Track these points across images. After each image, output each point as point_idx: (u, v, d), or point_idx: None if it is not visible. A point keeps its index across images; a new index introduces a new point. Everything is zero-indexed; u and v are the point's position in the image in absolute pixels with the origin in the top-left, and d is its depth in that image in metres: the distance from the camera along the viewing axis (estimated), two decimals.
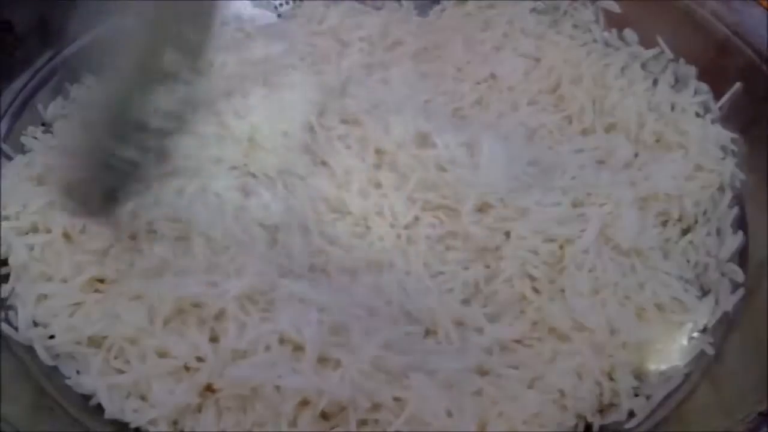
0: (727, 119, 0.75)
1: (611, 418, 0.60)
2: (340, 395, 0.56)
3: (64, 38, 0.79)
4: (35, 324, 0.62)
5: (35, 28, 0.77)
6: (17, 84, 0.75)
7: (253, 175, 0.72)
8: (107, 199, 0.58)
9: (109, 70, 0.54)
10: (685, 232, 0.71)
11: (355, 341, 0.59)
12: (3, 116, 0.73)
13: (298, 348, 0.59)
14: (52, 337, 0.61)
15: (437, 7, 0.91)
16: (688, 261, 0.69)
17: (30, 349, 0.60)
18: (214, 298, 0.60)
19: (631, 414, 0.60)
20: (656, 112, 0.77)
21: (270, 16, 0.91)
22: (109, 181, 0.56)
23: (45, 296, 0.62)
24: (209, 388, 0.58)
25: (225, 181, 0.71)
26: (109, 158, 0.53)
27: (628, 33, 0.83)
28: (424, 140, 0.72)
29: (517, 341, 0.64)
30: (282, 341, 0.59)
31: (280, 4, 0.91)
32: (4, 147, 0.71)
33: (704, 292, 0.67)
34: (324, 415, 0.57)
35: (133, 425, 0.58)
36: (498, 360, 0.62)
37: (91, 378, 0.59)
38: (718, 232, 0.70)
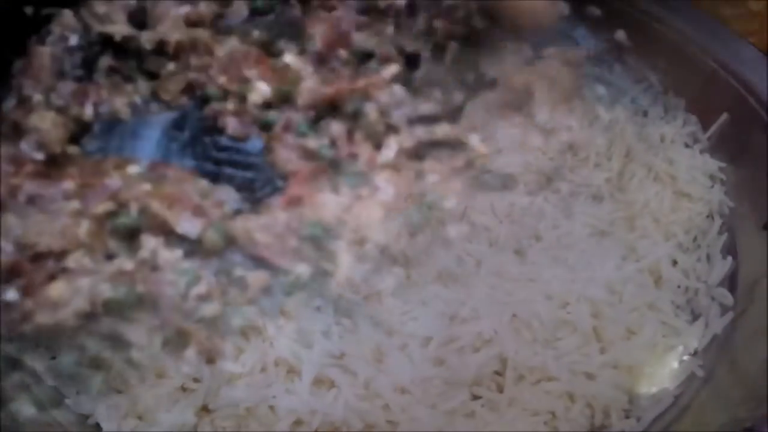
0: (715, 149, 0.76)
1: None
2: (334, 416, 0.58)
3: None
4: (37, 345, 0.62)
5: None
6: None
7: None
8: None
9: None
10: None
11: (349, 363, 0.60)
12: None
13: (292, 370, 0.60)
14: (53, 358, 0.62)
15: None
16: (678, 286, 0.69)
17: (32, 369, 0.61)
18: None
19: None
20: (646, 143, 0.78)
21: None
22: None
23: None
24: (205, 408, 0.59)
25: None
26: None
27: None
28: None
29: None
30: (277, 363, 0.60)
31: None
32: None
33: (695, 317, 0.68)
34: None
35: None
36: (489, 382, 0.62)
37: (90, 398, 0.60)
38: (708, 258, 0.71)
